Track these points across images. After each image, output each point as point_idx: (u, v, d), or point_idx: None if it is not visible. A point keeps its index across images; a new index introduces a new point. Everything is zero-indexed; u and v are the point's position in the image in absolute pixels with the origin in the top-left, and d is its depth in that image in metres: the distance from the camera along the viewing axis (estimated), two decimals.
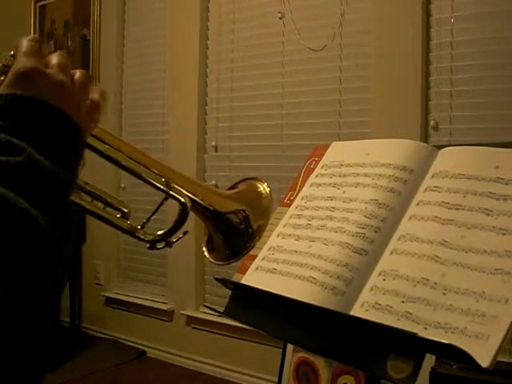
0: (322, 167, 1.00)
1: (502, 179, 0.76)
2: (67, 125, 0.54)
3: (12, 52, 0.58)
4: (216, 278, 0.95)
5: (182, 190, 0.78)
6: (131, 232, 0.77)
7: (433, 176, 0.84)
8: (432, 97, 2.30)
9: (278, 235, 0.94)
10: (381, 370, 0.69)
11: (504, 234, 0.71)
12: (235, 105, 2.95)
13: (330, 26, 2.58)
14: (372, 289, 0.77)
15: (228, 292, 0.94)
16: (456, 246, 0.73)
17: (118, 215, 0.77)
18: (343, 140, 1.20)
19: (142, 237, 0.77)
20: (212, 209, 0.82)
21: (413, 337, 0.67)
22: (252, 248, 0.86)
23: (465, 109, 2.22)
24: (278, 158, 2.75)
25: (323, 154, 1.02)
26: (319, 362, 1.92)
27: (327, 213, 0.91)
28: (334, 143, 1.04)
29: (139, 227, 0.77)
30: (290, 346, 2.01)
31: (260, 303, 0.90)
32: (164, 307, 3.15)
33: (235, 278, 0.95)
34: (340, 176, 0.95)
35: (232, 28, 2.95)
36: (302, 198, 0.98)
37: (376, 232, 0.83)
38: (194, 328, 3.04)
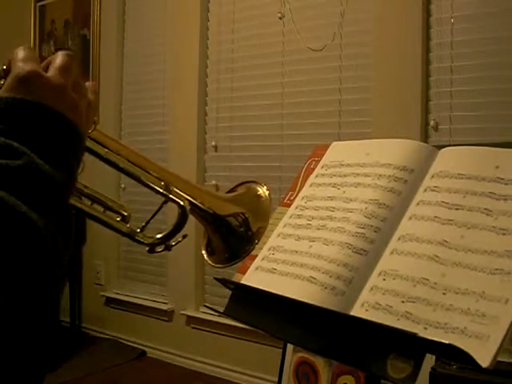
0: (322, 167, 1.00)
1: (502, 179, 0.76)
2: (67, 128, 0.54)
3: (4, 67, 0.58)
4: (216, 278, 0.95)
5: (181, 193, 0.78)
6: (131, 235, 0.77)
7: (433, 176, 0.84)
8: (432, 97, 2.30)
9: (278, 235, 0.94)
10: (381, 370, 0.69)
11: (504, 234, 0.71)
12: (235, 105, 2.95)
13: (330, 25, 2.58)
14: (372, 289, 0.77)
15: (228, 292, 0.94)
16: (456, 245, 0.73)
17: (118, 218, 0.77)
18: (343, 140, 1.20)
19: (142, 240, 0.77)
20: (211, 212, 0.82)
21: (413, 337, 0.67)
22: (251, 251, 0.86)
23: (465, 109, 2.23)
24: (278, 158, 2.75)
25: (323, 154, 1.02)
26: (319, 362, 1.92)
27: (327, 213, 0.91)
28: (334, 143, 1.04)
29: (138, 230, 0.77)
30: (290, 346, 2.01)
31: (260, 303, 0.90)
32: (164, 307, 3.15)
33: (235, 278, 0.95)
34: (340, 176, 0.95)
35: (232, 28, 2.95)
36: (302, 198, 0.98)
37: (376, 232, 0.83)
38: (193, 328, 3.04)
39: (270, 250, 0.93)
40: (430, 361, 1.43)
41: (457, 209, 0.77)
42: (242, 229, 0.84)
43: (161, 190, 0.77)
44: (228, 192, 0.90)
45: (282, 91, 2.75)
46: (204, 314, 2.96)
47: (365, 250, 0.81)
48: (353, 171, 0.93)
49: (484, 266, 0.69)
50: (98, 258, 3.51)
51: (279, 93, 2.75)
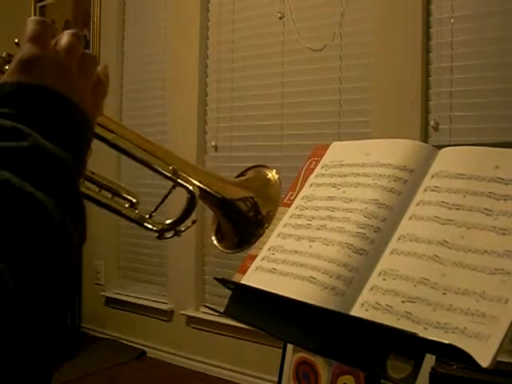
0: (322, 167, 1.00)
1: (502, 179, 0.76)
2: (72, 111, 0.53)
3: (16, 40, 0.57)
4: (216, 278, 0.95)
5: (189, 178, 0.77)
6: (139, 222, 0.76)
7: (433, 176, 0.84)
8: (432, 97, 2.30)
9: (278, 235, 0.94)
10: (381, 370, 0.69)
11: (504, 234, 0.71)
12: (235, 105, 2.95)
13: (330, 25, 2.58)
14: (372, 289, 0.77)
15: (228, 292, 0.94)
16: (456, 245, 0.73)
17: (127, 205, 0.77)
18: (343, 140, 1.20)
19: (151, 226, 0.77)
20: (220, 196, 0.82)
21: (413, 337, 0.67)
22: (261, 235, 0.86)
23: (465, 109, 2.22)
24: (278, 158, 2.75)
25: (323, 154, 1.02)
26: (319, 362, 1.92)
27: (327, 213, 0.91)
28: (334, 143, 1.04)
29: (147, 216, 0.77)
30: (289, 346, 2.01)
31: (260, 303, 0.90)
32: (164, 307, 3.15)
33: (235, 278, 0.95)
34: (340, 176, 0.95)
35: (232, 28, 2.95)
36: (302, 198, 0.98)
37: (376, 232, 0.83)
38: (193, 328, 3.04)
39: (270, 250, 0.93)
40: (429, 361, 1.43)
41: (457, 209, 0.77)
42: (251, 213, 0.84)
43: (169, 175, 0.76)
44: (237, 176, 0.89)
45: (281, 91, 2.75)
46: (204, 314, 2.96)
47: (365, 250, 0.81)
48: (353, 171, 0.93)
49: (484, 265, 0.69)
50: (98, 258, 3.51)
51: (279, 93, 2.75)
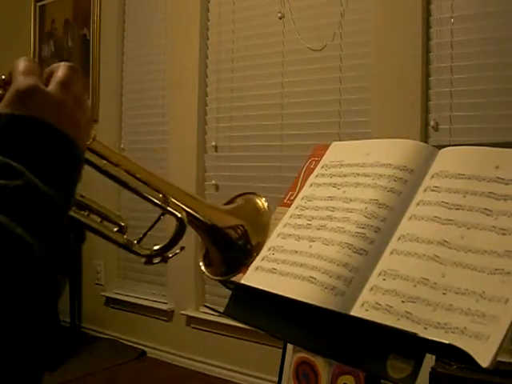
0: (322, 167, 1.00)
1: (502, 179, 0.76)
2: (66, 146, 0.53)
3: (3, 77, 0.57)
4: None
5: (179, 204, 0.77)
6: (127, 247, 0.76)
7: (433, 176, 0.84)
8: (432, 97, 2.30)
9: (278, 235, 0.94)
10: (381, 370, 0.69)
11: (504, 234, 0.71)
12: (235, 105, 2.95)
13: (330, 25, 2.58)
14: (372, 289, 0.77)
15: (228, 292, 0.94)
16: (456, 246, 0.73)
17: (115, 229, 0.76)
18: (343, 140, 1.20)
19: (138, 251, 0.77)
20: (210, 223, 0.82)
21: (413, 337, 0.67)
22: (250, 264, 0.86)
23: (465, 109, 2.23)
24: (278, 158, 2.75)
25: (323, 154, 1.02)
26: (319, 362, 1.92)
27: (327, 213, 0.91)
28: (334, 143, 1.03)
29: (135, 242, 0.77)
30: (290, 346, 2.01)
31: (260, 303, 0.90)
32: (164, 307, 3.15)
33: (235, 278, 0.95)
34: (340, 176, 0.95)
35: (232, 28, 2.95)
36: (302, 198, 0.98)
37: (376, 232, 0.82)
38: (193, 328, 3.04)
39: (269, 249, 0.93)
40: (429, 361, 1.43)
41: (457, 209, 0.77)
42: (240, 241, 0.84)
43: (159, 203, 0.76)
44: (226, 203, 0.89)
45: (281, 91, 2.75)
46: (204, 314, 2.96)
47: (365, 250, 0.81)
48: (353, 171, 0.93)
49: (484, 265, 0.69)
50: (98, 258, 3.51)
51: (279, 93, 2.75)
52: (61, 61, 0.60)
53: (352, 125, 2.52)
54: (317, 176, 0.99)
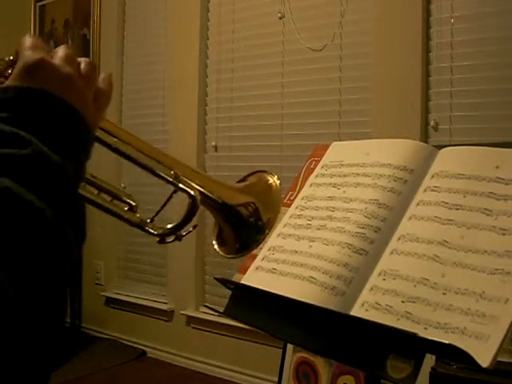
0: (322, 167, 1.00)
1: (502, 179, 0.76)
2: (75, 118, 0.53)
3: (11, 57, 0.57)
4: (216, 278, 0.95)
5: (191, 182, 0.77)
6: (140, 226, 0.76)
7: (433, 176, 0.84)
8: (432, 97, 2.30)
9: (279, 235, 0.94)
10: (381, 370, 0.69)
11: (504, 234, 0.71)
12: (235, 105, 2.94)
13: (330, 25, 2.57)
14: (372, 289, 0.77)
15: (228, 292, 0.94)
16: (456, 245, 0.73)
17: (126, 208, 0.77)
18: (343, 140, 1.20)
19: (152, 230, 0.77)
20: (221, 201, 0.82)
21: (413, 337, 0.67)
22: (262, 241, 0.86)
23: (465, 109, 2.22)
24: (278, 158, 2.75)
25: (323, 154, 1.02)
26: (319, 362, 1.92)
27: (327, 213, 0.91)
28: (334, 143, 1.04)
29: (149, 221, 0.77)
30: (290, 346, 2.01)
31: (260, 303, 0.90)
32: (164, 307, 3.15)
33: (235, 278, 0.95)
34: (340, 176, 0.95)
35: (232, 28, 2.95)
36: (302, 198, 0.98)
37: (376, 232, 0.82)
38: (193, 328, 3.04)
39: (270, 249, 0.93)
40: (429, 361, 1.43)
41: (457, 209, 0.77)
42: (252, 219, 0.84)
43: (171, 180, 0.76)
44: (238, 182, 0.89)
45: (281, 91, 2.75)
46: (204, 314, 2.96)
47: (365, 250, 0.81)
48: (353, 171, 0.93)
49: (484, 265, 0.69)
50: (98, 258, 3.51)
51: (279, 93, 2.75)
52: None
53: (352, 125, 2.52)
54: (317, 176, 0.99)
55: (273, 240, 0.94)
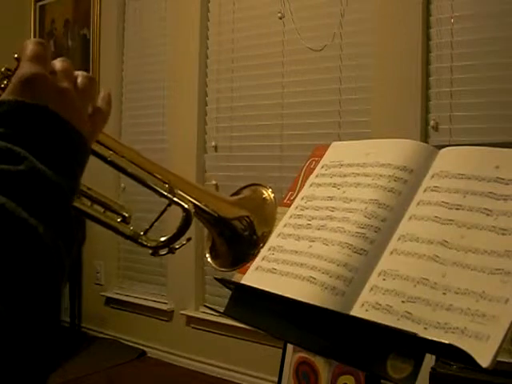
0: (322, 167, 1.00)
1: (502, 179, 0.76)
2: (70, 134, 0.53)
3: (16, 55, 0.57)
4: (216, 278, 0.95)
5: (185, 195, 0.77)
6: (134, 238, 0.76)
7: (433, 176, 0.84)
8: (432, 97, 2.30)
9: (279, 235, 0.94)
10: (381, 370, 0.69)
11: (504, 234, 0.71)
12: (235, 105, 2.95)
13: (330, 25, 2.58)
14: (372, 289, 0.77)
15: (228, 292, 0.94)
16: (456, 246, 0.73)
17: (119, 219, 0.76)
18: (343, 140, 1.21)
19: (145, 243, 0.77)
20: (216, 215, 0.81)
21: (413, 337, 0.67)
22: (256, 255, 0.86)
23: (465, 109, 2.23)
24: (278, 158, 2.75)
25: (323, 154, 1.02)
26: (319, 362, 1.92)
27: (327, 213, 0.91)
28: (334, 143, 1.03)
29: (142, 233, 0.76)
30: (290, 346, 2.02)
31: (260, 303, 0.90)
32: (164, 307, 3.15)
33: (235, 278, 0.95)
34: (340, 176, 0.95)
35: (232, 28, 2.95)
36: (302, 198, 0.98)
37: (376, 232, 0.82)
38: (193, 328, 3.04)
39: (269, 249, 0.93)
40: (430, 361, 1.43)
41: (457, 209, 0.77)
42: (246, 232, 0.84)
43: (165, 193, 0.76)
44: (233, 194, 0.89)
45: (281, 91, 2.75)
46: (204, 314, 2.96)
47: (365, 250, 0.81)
48: (353, 171, 0.93)
49: (484, 265, 0.69)
50: (98, 258, 3.51)
51: (279, 93, 2.75)
52: None
53: (352, 125, 2.52)
54: (317, 176, 0.99)
55: (273, 240, 0.94)
